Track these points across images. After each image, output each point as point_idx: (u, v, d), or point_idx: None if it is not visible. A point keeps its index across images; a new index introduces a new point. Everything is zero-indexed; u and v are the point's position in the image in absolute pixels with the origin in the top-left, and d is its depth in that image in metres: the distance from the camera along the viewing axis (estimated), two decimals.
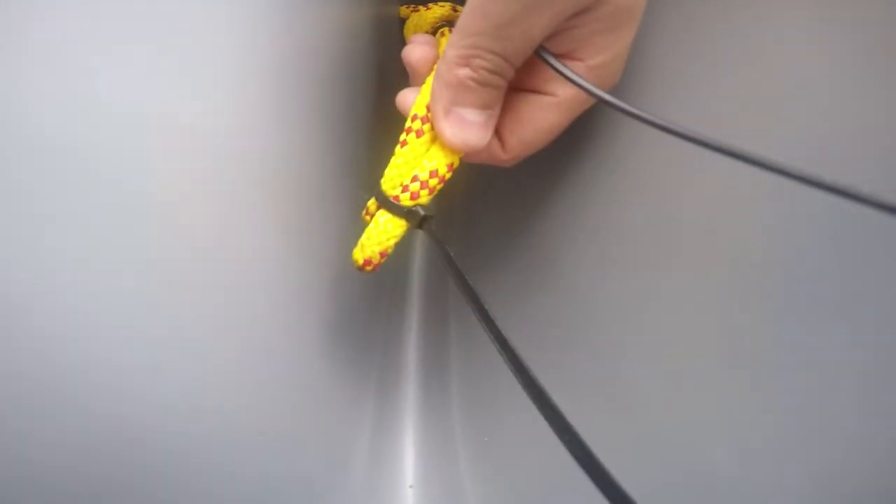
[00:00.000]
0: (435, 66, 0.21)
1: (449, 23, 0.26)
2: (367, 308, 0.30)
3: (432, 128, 0.20)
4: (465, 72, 0.18)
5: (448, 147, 0.19)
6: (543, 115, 0.20)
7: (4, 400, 0.12)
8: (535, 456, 0.27)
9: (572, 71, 0.18)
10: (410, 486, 0.32)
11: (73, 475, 0.14)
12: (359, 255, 0.20)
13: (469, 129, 0.19)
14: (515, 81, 0.20)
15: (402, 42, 0.28)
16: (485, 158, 0.22)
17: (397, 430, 0.33)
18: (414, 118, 0.20)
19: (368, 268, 0.20)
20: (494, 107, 0.20)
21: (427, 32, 0.26)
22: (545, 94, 0.20)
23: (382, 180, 0.20)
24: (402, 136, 0.20)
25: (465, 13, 0.18)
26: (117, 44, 0.14)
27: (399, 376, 0.34)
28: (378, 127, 0.28)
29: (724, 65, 0.19)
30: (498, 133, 0.21)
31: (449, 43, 0.19)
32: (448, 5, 0.27)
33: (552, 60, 0.18)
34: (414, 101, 0.21)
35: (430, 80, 0.21)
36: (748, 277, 0.17)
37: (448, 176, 0.20)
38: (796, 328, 0.16)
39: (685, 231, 0.20)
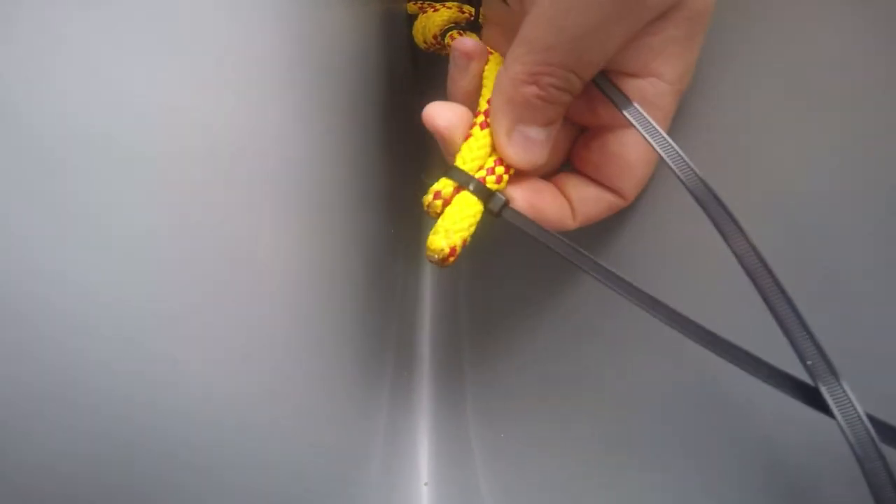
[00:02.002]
0: (490, 59, 0.20)
1: (457, 24, 0.26)
2: (379, 307, 0.30)
3: None
4: (531, 90, 0.17)
5: (512, 165, 0.19)
6: (647, 147, 0.19)
7: (12, 413, 0.12)
8: (551, 452, 0.27)
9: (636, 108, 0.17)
10: (425, 484, 0.32)
11: (85, 472, 0.14)
12: (443, 243, 0.18)
13: (533, 147, 0.18)
14: (598, 119, 0.19)
15: (411, 39, 0.28)
16: (606, 212, 0.21)
17: (412, 428, 0.33)
18: (480, 112, 0.19)
19: (451, 258, 0.18)
20: (558, 121, 0.18)
21: (435, 35, 0.27)
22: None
23: (459, 160, 0.19)
24: (482, 119, 0.19)
25: (532, 24, 0.16)
26: (132, 43, 0.15)
27: (413, 374, 0.34)
28: (387, 124, 0.28)
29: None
30: (607, 182, 0.20)
31: (513, 56, 0.17)
32: (455, 6, 0.27)
33: (608, 90, 0.17)
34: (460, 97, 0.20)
35: (490, 69, 0.20)
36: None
37: None
38: None
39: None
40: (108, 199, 0.14)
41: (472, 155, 0.19)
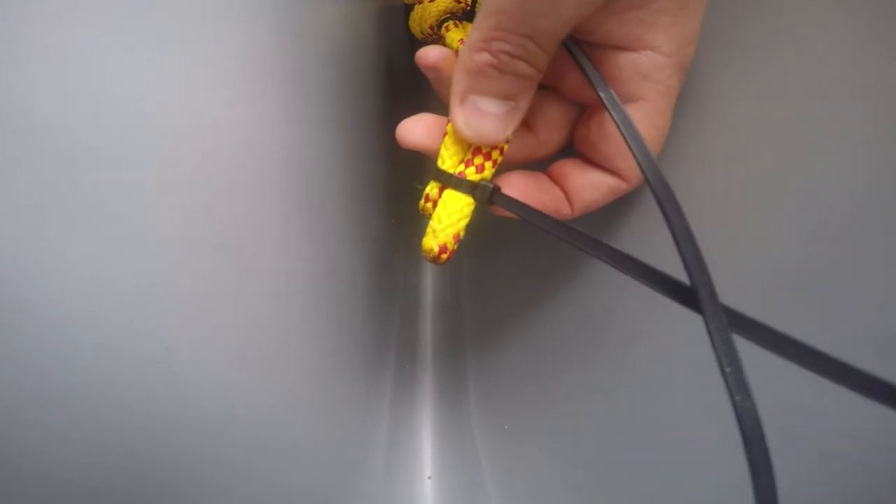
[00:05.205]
0: None
1: (453, 15, 0.26)
2: (380, 300, 0.30)
3: None
4: (482, 57, 0.16)
5: (462, 137, 0.18)
6: (648, 126, 0.18)
7: (10, 396, 0.12)
8: (555, 443, 0.27)
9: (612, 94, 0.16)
10: (429, 478, 0.32)
11: (82, 472, 0.14)
12: (432, 242, 0.19)
13: (483, 120, 0.17)
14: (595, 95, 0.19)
15: (408, 31, 0.28)
16: (607, 197, 0.20)
17: (415, 422, 0.33)
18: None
19: (444, 255, 0.19)
20: (519, 98, 0.17)
21: (432, 26, 0.26)
22: (637, 100, 0.18)
23: (439, 161, 0.19)
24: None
25: None
26: (131, 41, 0.15)
27: (415, 367, 0.34)
28: (386, 116, 0.28)
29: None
30: (606, 163, 0.19)
31: (473, 24, 0.17)
32: None
33: (579, 56, 0.17)
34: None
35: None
36: None
37: (507, 147, 0.19)
38: None
39: None
40: (111, 199, 0.14)
41: (450, 152, 0.19)
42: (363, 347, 0.29)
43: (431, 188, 0.19)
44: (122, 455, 0.15)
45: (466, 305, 0.33)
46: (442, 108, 0.21)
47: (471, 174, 0.18)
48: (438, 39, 0.26)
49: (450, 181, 0.19)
